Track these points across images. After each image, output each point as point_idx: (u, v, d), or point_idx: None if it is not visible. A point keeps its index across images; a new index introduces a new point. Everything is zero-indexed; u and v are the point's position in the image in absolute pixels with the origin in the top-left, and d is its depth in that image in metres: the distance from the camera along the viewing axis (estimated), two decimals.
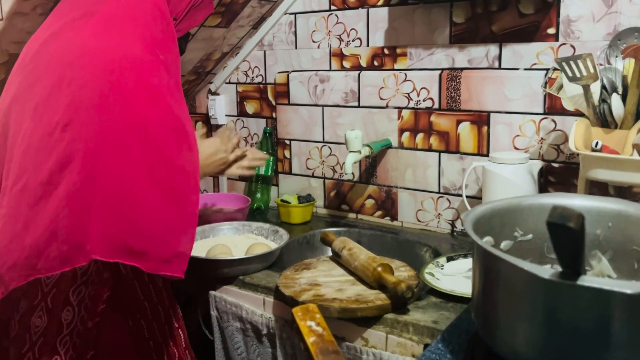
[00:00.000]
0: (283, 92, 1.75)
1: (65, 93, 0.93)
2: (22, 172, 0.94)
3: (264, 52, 1.80)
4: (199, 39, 1.65)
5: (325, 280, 1.16)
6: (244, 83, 1.86)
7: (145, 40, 0.99)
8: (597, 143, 1.04)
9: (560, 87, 1.20)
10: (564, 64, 1.07)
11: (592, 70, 1.07)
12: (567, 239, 0.52)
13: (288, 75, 1.73)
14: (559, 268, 0.83)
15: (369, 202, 1.64)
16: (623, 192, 1.16)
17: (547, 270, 0.59)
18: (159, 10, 1.04)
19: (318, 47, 1.69)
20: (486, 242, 0.79)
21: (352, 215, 1.68)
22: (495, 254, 0.65)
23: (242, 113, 1.89)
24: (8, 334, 1.02)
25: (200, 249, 1.33)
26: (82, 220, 0.91)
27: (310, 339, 0.61)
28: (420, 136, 1.52)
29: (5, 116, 1.00)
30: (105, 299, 1.01)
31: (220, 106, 1.90)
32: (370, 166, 1.62)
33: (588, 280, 0.57)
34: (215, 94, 1.92)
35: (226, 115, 1.92)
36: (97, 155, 0.92)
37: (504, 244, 0.83)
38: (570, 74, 1.08)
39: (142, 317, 1.07)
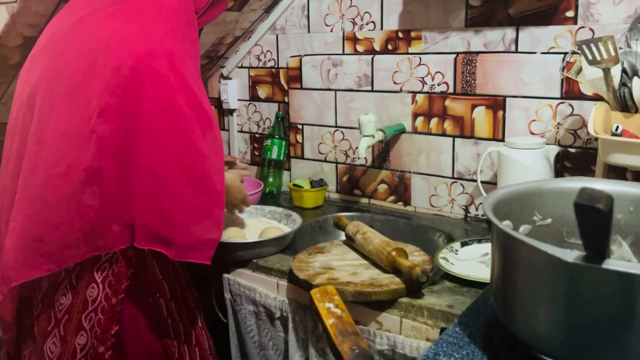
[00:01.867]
0: (295, 77, 1.74)
1: (100, 78, 0.96)
2: (62, 157, 0.96)
3: (277, 36, 1.78)
4: (211, 23, 1.63)
5: (339, 264, 1.16)
6: (256, 67, 1.85)
7: (173, 31, 1.03)
8: (617, 127, 1.02)
9: (579, 70, 1.18)
10: (584, 46, 1.06)
11: (613, 53, 1.05)
12: (595, 220, 0.51)
13: (300, 60, 1.71)
14: (577, 252, 0.83)
15: (382, 187, 1.63)
16: None
17: (571, 253, 0.58)
18: (185, 3, 1.08)
19: (331, 31, 1.67)
20: (505, 225, 0.78)
21: (364, 200, 1.67)
22: (517, 237, 0.64)
23: (254, 97, 1.88)
24: (31, 313, 1.04)
25: None
26: (112, 209, 0.97)
27: (329, 321, 0.61)
28: (434, 121, 1.50)
29: (31, 97, 1.01)
30: (129, 276, 1.04)
31: (233, 91, 1.89)
32: (384, 151, 1.61)
33: (613, 263, 0.56)
34: (227, 78, 1.91)
35: (238, 100, 1.92)
36: (134, 141, 0.97)
37: (523, 228, 0.82)
38: (590, 57, 1.07)
39: (161, 295, 1.09)
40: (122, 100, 0.96)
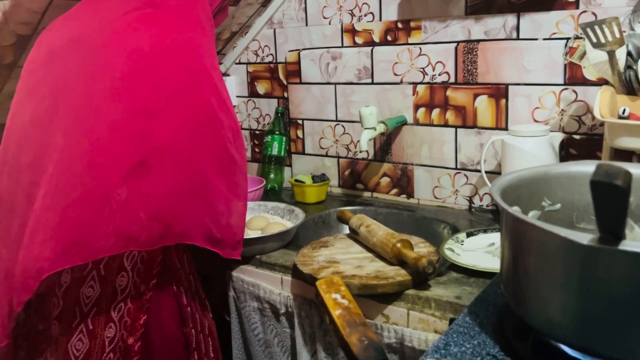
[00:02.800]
0: (294, 71, 1.72)
1: (147, 81, 0.99)
2: (107, 150, 0.97)
3: (274, 30, 1.76)
4: None
5: (343, 258, 1.14)
6: (254, 63, 1.83)
7: (206, 34, 1.09)
8: (624, 110, 1.00)
9: (583, 54, 1.16)
10: (588, 29, 1.03)
11: (617, 35, 1.03)
12: (612, 199, 0.49)
13: (299, 54, 1.69)
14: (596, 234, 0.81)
15: (384, 180, 1.61)
16: None
17: (586, 236, 0.56)
18: (207, 4, 1.14)
19: (329, 24, 1.65)
20: (512, 208, 0.76)
21: (367, 194, 1.65)
22: (529, 221, 0.62)
23: (253, 94, 1.86)
24: (44, 316, 1.01)
25: None
26: (174, 205, 1.00)
27: (336, 312, 0.59)
28: (436, 112, 1.48)
29: (55, 92, 1.00)
30: (159, 261, 1.03)
31: (231, 87, 1.87)
32: (385, 144, 1.59)
33: (630, 244, 0.54)
34: (225, 75, 1.89)
35: (237, 97, 1.90)
36: (182, 144, 1.00)
37: (532, 214, 0.80)
38: (594, 40, 1.05)
39: (180, 284, 1.08)
40: (170, 105, 1.00)
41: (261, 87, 1.84)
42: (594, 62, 1.12)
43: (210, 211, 1.05)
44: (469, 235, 1.21)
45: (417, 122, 1.52)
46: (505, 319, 0.74)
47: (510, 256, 0.69)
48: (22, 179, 1.00)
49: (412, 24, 1.50)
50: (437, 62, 1.46)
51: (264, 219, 1.36)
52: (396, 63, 1.52)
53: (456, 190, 1.49)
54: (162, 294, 1.05)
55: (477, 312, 0.77)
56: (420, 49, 1.48)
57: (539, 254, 0.64)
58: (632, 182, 0.49)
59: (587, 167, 0.81)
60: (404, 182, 1.58)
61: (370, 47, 1.56)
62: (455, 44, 1.43)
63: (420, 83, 1.50)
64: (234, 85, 1.88)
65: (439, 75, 1.46)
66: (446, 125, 1.47)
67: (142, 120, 0.98)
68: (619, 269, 0.56)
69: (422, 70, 1.49)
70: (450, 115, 1.46)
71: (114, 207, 0.95)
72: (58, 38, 1.06)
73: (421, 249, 1.14)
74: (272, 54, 1.79)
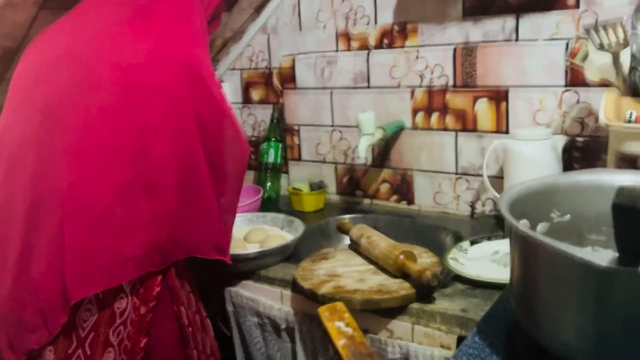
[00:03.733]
0: (289, 77, 1.68)
1: (142, 96, 0.96)
2: (109, 172, 0.94)
3: (268, 35, 1.73)
4: None
5: (344, 271, 1.11)
6: (249, 69, 1.80)
7: (203, 45, 1.06)
8: (631, 113, 0.98)
9: (585, 56, 1.13)
10: (592, 31, 1.01)
11: (621, 37, 1.00)
12: (634, 222, 0.46)
13: (294, 59, 1.66)
14: (600, 249, 0.78)
15: (384, 187, 1.58)
16: None
17: (604, 257, 0.53)
18: (203, 9, 1.10)
19: (324, 28, 1.62)
20: (523, 224, 0.73)
21: (366, 201, 1.62)
22: (541, 240, 0.59)
23: (247, 100, 1.83)
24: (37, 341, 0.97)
25: None
26: (183, 222, 0.99)
27: (340, 342, 0.56)
28: (435, 116, 1.45)
29: (48, 108, 0.97)
30: (159, 282, 1.00)
31: (226, 94, 1.83)
32: (384, 149, 1.56)
33: None
34: (219, 81, 1.85)
35: (232, 103, 1.86)
36: (191, 161, 0.99)
37: (540, 227, 0.77)
38: (598, 42, 1.02)
39: (178, 305, 1.05)
40: (178, 121, 0.97)
41: (256, 94, 1.80)
42: (598, 64, 1.09)
43: (213, 221, 1.04)
44: (472, 243, 1.18)
45: (415, 127, 1.49)
46: (516, 339, 0.71)
47: (521, 274, 0.66)
48: (17, 199, 0.96)
49: (409, 27, 1.47)
50: (435, 65, 1.43)
51: (263, 232, 1.33)
52: (393, 67, 1.50)
53: (457, 195, 1.46)
54: (163, 314, 1.02)
55: (486, 331, 0.74)
56: (418, 52, 1.45)
57: (551, 273, 0.61)
58: None
59: (596, 177, 0.78)
60: (404, 189, 1.55)
61: (367, 52, 1.53)
62: (453, 47, 1.40)
63: (419, 87, 1.47)
64: (228, 92, 1.84)
65: (438, 78, 1.43)
66: (446, 129, 1.44)
67: (148, 135, 0.95)
68: (638, 291, 0.53)
69: (420, 74, 1.46)
70: (449, 120, 1.43)
71: (128, 229, 0.95)
72: (47, 51, 1.02)
73: (424, 259, 1.11)
74: (266, 60, 1.75)
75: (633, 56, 1.05)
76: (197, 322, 1.09)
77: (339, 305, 0.60)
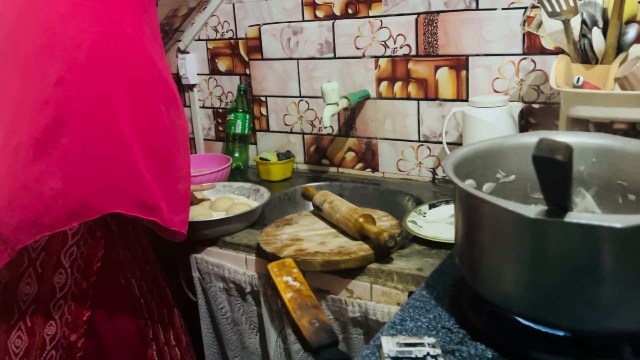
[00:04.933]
0: (255, 47, 1.68)
1: (59, 53, 0.92)
2: (14, 130, 0.91)
3: (233, 5, 1.72)
4: None
5: (307, 235, 1.13)
6: (214, 39, 1.79)
7: (133, 4, 0.99)
8: (578, 79, 1.01)
9: (540, 24, 1.16)
10: None
11: (572, 4, 1.03)
12: (555, 173, 0.49)
13: (259, 29, 1.66)
14: (543, 207, 0.82)
15: (350, 155, 1.61)
16: (604, 129, 1.15)
17: (533, 209, 0.56)
18: None
19: None
20: (468, 185, 0.76)
21: (333, 169, 1.65)
22: (479, 195, 0.63)
23: (214, 71, 1.82)
24: None
25: None
26: (88, 176, 0.92)
27: (287, 295, 0.58)
28: (398, 85, 1.48)
29: None
30: (100, 257, 1.00)
31: (191, 65, 1.83)
32: (349, 119, 1.58)
33: (576, 216, 0.55)
34: (184, 52, 1.84)
35: (198, 75, 1.86)
36: (96, 113, 0.93)
37: (487, 187, 0.81)
38: (549, 9, 1.05)
39: (132, 275, 1.06)
40: (82, 74, 0.92)
41: (222, 64, 1.80)
42: (550, 32, 1.12)
43: (138, 179, 0.97)
44: (431, 206, 1.22)
45: (380, 96, 1.51)
46: (461, 292, 0.75)
47: (464, 230, 0.70)
48: None
49: None
50: (398, 34, 1.45)
51: (229, 200, 1.35)
52: (358, 37, 1.51)
53: (420, 162, 1.49)
54: (109, 288, 1.02)
55: (434, 286, 0.78)
56: (381, 21, 1.46)
57: (490, 227, 0.64)
58: (573, 154, 0.49)
59: (541, 137, 0.81)
60: (368, 156, 1.57)
61: (332, 21, 1.54)
62: (415, 16, 1.41)
63: (382, 56, 1.48)
64: (194, 62, 1.84)
65: (400, 48, 1.45)
66: (408, 98, 1.47)
67: (47, 96, 0.91)
68: (567, 240, 0.57)
69: (383, 43, 1.47)
70: (412, 88, 1.46)
71: (25, 192, 0.90)
72: None
73: (384, 222, 1.14)
74: (232, 30, 1.75)
75: (583, 23, 1.08)
76: (153, 293, 1.10)
77: (288, 261, 0.62)
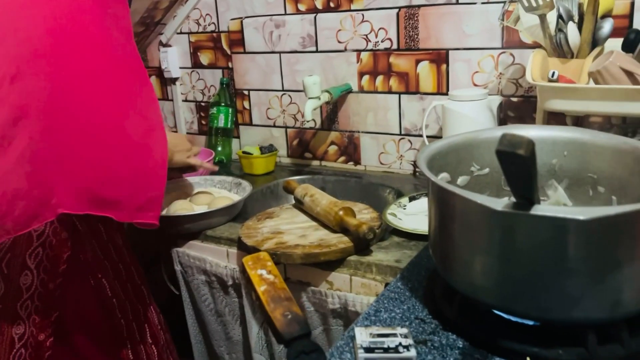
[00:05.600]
0: (238, 40, 1.68)
1: (11, 45, 0.89)
2: None
3: None
4: None
5: (288, 228, 1.14)
6: (197, 32, 1.78)
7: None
8: (553, 73, 1.03)
9: (517, 18, 1.17)
10: None
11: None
12: (518, 167, 0.51)
13: (242, 22, 1.66)
14: (512, 200, 0.83)
15: (332, 149, 1.62)
16: (580, 122, 1.17)
17: (500, 202, 0.58)
18: None
19: None
20: (442, 178, 0.78)
21: (315, 163, 1.66)
22: (449, 188, 0.64)
23: (196, 64, 1.82)
24: None
25: (163, 206, 1.30)
26: (45, 175, 0.90)
27: (261, 288, 0.59)
28: (380, 79, 1.49)
29: None
30: (65, 259, 0.98)
31: (173, 58, 1.82)
32: (332, 112, 1.59)
33: (541, 209, 0.57)
34: (166, 45, 1.83)
35: (180, 68, 1.85)
36: (54, 106, 0.90)
37: (461, 180, 0.82)
38: (526, 4, 1.06)
39: (103, 276, 1.04)
40: (36, 66, 0.90)
41: (205, 58, 1.80)
42: (527, 26, 1.14)
43: (98, 169, 0.93)
44: (411, 199, 1.24)
45: (362, 90, 1.52)
46: (435, 283, 0.77)
47: (436, 222, 0.71)
48: None
49: None
50: (380, 28, 1.45)
51: (209, 194, 1.35)
52: (339, 30, 1.51)
53: (401, 155, 1.51)
54: (78, 289, 1.01)
55: (409, 277, 0.79)
56: (363, 15, 1.47)
57: (461, 220, 0.66)
58: (535, 148, 0.50)
59: (513, 130, 0.83)
60: (351, 150, 1.59)
61: (314, 14, 1.54)
62: (397, 10, 1.42)
63: (364, 50, 1.49)
64: (177, 56, 1.83)
65: (382, 42, 1.46)
66: (390, 92, 1.48)
67: (5, 87, 0.89)
68: (533, 232, 0.59)
69: (365, 37, 1.48)
70: (393, 82, 1.47)
71: None
72: None
73: (364, 215, 1.16)
74: (214, 23, 1.74)
75: (559, 18, 1.10)
76: (127, 291, 1.08)
77: (263, 254, 0.63)
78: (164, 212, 1.25)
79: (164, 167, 1.00)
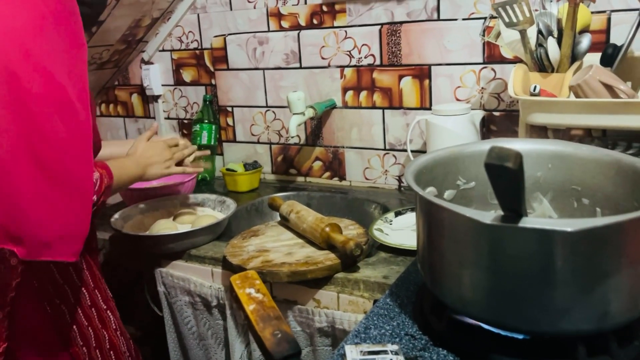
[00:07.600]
0: (221, 57, 1.68)
1: None
2: None
3: (198, 15, 1.71)
4: (124, 5, 1.55)
5: (273, 246, 1.13)
6: (179, 50, 1.78)
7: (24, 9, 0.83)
8: (535, 87, 1.04)
9: (498, 34, 1.19)
10: (500, 9, 1.06)
11: (528, 15, 1.06)
12: (506, 180, 0.51)
13: (225, 39, 1.66)
14: (500, 213, 0.83)
15: (317, 164, 1.62)
16: (561, 135, 1.18)
17: (488, 215, 0.57)
18: None
19: (254, 8, 1.62)
20: (429, 192, 0.77)
21: (300, 179, 1.65)
22: (437, 202, 0.64)
23: (179, 82, 1.81)
24: None
25: (146, 225, 1.28)
26: None
27: (249, 307, 0.58)
28: (363, 94, 1.49)
29: None
30: (14, 286, 0.90)
31: (155, 76, 1.81)
32: (316, 128, 1.59)
33: (529, 221, 0.56)
34: (149, 63, 1.82)
35: (162, 85, 1.84)
36: None
37: (448, 194, 0.82)
38: (507, 20, 1.07)
39: (62, 302, 0.98)
40: None
41: (187, 75, 1.79)
42: (508, 41, 1.15)
43: (2, 202, 0.83)
44: (397, 214, 1.23)
45: (346, 105, 1.53)
46: (424, 298, 0.76)
47: (425, 237, 0.70)
48: None
49: (337, 7, 1.50)
50: (363, 44, 1.46)
51: (193, 213, 1.34)
52: (323, 47, 1.52)
53: (386, 170, 1.51)
54: (31, 317, 0.94)
55: (398, 293, 0.78)
56: (346, 32, 1.48)
57: (449, 233, 0.65)
58: (523, 161, 0.50)
59: (498, 144, 0.83)
60: (335, 165, 1.58)
61: (297, 31, 1.55)
62: (379, 27, 1.43)
63: (348, 66, 1.50)
64: (159, 73, 1.82)
65: (365, 57, 1.47)
66: (374, 107, 1.49)
67: None
68: (522, 245, 0.59)
69: (348, 53, 1.49)
70: (377, 97, 1.47)
71: None
72: None
73: (351, 231, 1.15)
74: (197, 40, 1.74)
75: (540, 33, 1.11)
76: (90, 317, 1.02)
77: (251, 273, 0.62)
78: (147, 232, 1.23)
79: (87, 201, 0.89)
